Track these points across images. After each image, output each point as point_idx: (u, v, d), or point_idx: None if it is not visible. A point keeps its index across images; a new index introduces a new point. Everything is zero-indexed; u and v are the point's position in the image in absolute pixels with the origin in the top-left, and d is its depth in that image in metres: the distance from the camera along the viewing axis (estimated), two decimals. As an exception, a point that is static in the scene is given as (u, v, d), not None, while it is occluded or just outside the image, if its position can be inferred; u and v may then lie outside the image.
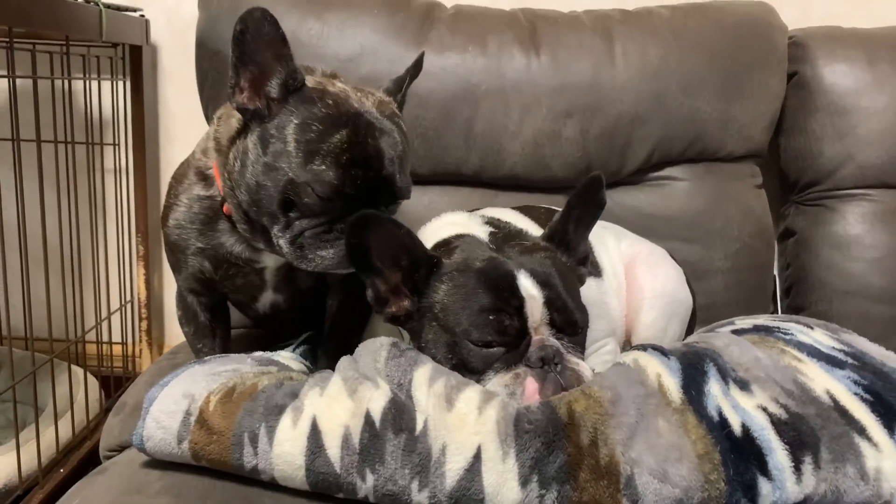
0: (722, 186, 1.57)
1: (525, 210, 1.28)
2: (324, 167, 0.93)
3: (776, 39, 1.59)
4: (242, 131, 1.01)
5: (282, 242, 0.98)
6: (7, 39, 1.32)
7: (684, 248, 1.50)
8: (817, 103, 1.59)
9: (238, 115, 1.01)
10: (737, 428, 0.82)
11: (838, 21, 1.72)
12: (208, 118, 1.56)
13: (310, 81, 1.00)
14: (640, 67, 1.52)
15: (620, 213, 1.51)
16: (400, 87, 1.14)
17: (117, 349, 1.91)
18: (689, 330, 1.33)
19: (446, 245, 1.02)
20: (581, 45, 1.53)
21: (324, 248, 0.97)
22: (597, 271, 1.23)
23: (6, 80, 1.55)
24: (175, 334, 1.99)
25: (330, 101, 0.97)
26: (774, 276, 1.66)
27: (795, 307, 1.61)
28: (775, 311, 1.65)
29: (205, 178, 1.09)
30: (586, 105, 1.51)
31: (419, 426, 0.83)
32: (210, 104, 1.54)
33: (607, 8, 1.63)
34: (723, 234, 1.54)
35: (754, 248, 1.56)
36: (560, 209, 1.05)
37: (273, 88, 0.96)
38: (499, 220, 1.15)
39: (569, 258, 1.02)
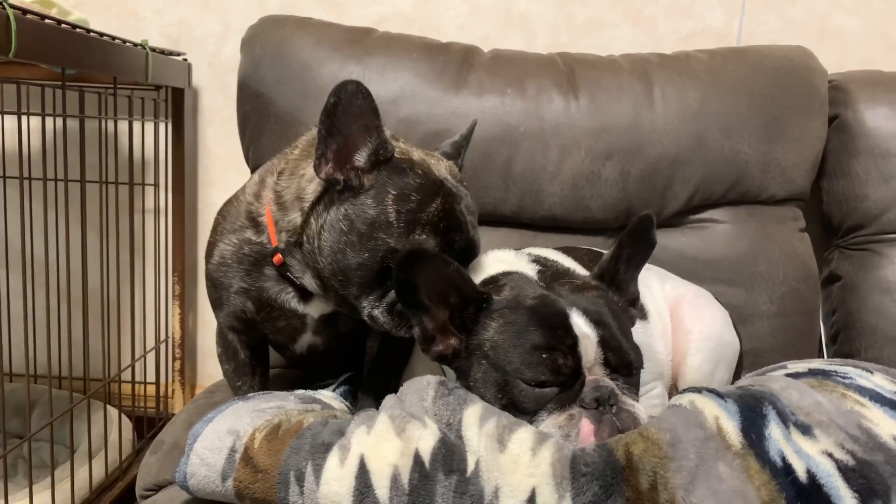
0: (765, 229, 1.54)
1: (567, 251, 1.26)
2: (424, 236, 0.96)
3: (816, 83, 1.59)
4: (322, 198, 1.00)
5: (376, 312, 0.99)
6: (60, 80, 1.35)
7: (728, 292, 1.47)
8: (860, 146, 1.58)
9: (311, 177, 1.02)
10: (802, 474, 0.79)
11: (876, 65, 1.71)
12: (248, 160, 1.58)
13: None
14: (679, 110, 1.52)
15: (662, 256, 1.48)
16: (458, 152, 1.19)
17: (150, 389, 1.91)
18: (736, 375, 1.29)
19: (494, 282, 1.00)
20: (620, 87, 1.53)
21: None
22: (642, 314, 1.21)
23: (51, 119, 1.59)
24: (208, 375, 1.99)
25: (419, 171, 0.99)
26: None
27: (844, 353, 1.56)
28: (822, 358, 1.61)
29: (256, 225, 1.09)
30: (626, 146, 1.50)
31: (470, 467, 0.81)
32: (251, 146, 1.56)
33: (644, 52, 1.65)
34: (767, 277, 1.51)
35: (800, 291, 1.53)
36: (602, 251, 1.04)
37: (361, 159, 0.97)
38: (545, 258, 1.13)
39: (620, 298, 1.00)
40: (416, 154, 1.03)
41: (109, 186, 1.70)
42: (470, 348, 0.93)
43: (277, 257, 1.05)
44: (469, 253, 1.03)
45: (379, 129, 0.96)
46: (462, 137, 1.21)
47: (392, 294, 0.97)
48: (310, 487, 0.83)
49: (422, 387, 0.92)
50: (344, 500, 0.81)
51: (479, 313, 0.93)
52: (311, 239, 1.01)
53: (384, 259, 0.96)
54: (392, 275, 0.93)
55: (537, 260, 1.11)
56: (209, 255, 1.13)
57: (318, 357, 1.22)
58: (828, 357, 1.62)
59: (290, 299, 1.09)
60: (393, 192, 0.96)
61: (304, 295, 1.09)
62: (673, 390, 1.23)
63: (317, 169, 0.97)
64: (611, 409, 0.86)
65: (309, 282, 1.05)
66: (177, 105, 1.83)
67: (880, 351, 1.51)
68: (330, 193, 1.00)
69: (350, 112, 0.94)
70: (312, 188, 1.02)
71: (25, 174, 1.57)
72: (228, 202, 1.16)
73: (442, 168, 1.04)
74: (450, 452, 0.82)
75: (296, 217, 1.03)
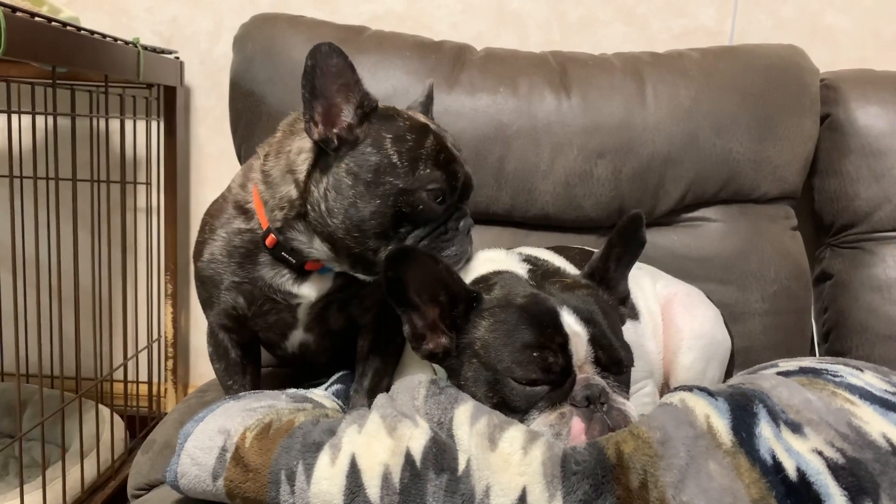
0: (757, 228, 1.55)
1: (559, 250, 1.26)
2: (429, 170, 0.99)
3: (808, 81, 1.59)
4: (317, 164, 1.02)
5: None
6: (50, 79, 1.34)
7: (720, 290, 1.48)
8: (851, 145, 1.58)
9: (298, 150, 1.04)
10: (792, 472, 0.79)
11: (868, 64, 1.72)
12: (240, 158, 1.57)
13: None
14: (671, 108, 1.52)
15: (654, 254, 1.49)
16: (426, 112, 1.21)
17: (143, 388, 1.90)
18: (728, 373, 1.30)
19: (485, 281, 1.00)
20: (612, 86, 1.53)
21: (447, 247, 1.02)
22: (633, 313, 1.21)
23: (42, 118, 1.58)
24: (200, 374, 1.98)
25: (405, 116, 1.04)
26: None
27: (835, 352, 1.57)
28: (813, 356, 1.62)
29: (245, 212, 1.09)
30: (618, 145, 1.50)
31: (461, 466, 0.81)
32: (243, 144, 1.56)
33: (637, 51, 1.65)
34: (759, 275, 1.52)
35: (792, 290, 1.53)
36: (593, 250, 1.04)
37: (348, 115, 1.00)
38: (536, 257, 1.13)
39: (610, 296, 1.00)
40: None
41: (101, 185, 1.69)
42: (460, 347, 0.94)
43: (271, 238, 1.06)
44: (469, 186, 1.06)
45: (358, 83, 0.99)
46: (425, 97, 1.23)
47: (412, 238, 0.99)
48: (301, 487, 0.83)
49: (413, 386, 0.93)
50: (335, 499, 0.81)
51: (470, 312, 0.94)
52: (316, 205, 1.01)
53: (396, 203, 0.98)
54: (404, 220, 0.97)
55: (528, 259, 1.11)
56: (198, 254, 1.13)
57: (309, 355, 1.22)
58: (820, 355, 1.63)
59: (286, 282, 1.09)
60: (389, 135, 1.00)
61: (301, 274, 1.09)
62: (665, 389, 1.24)
63: (309, 132, 0.99)
64: (601, 408, 0.87)
65: (318, 248, 1.05)
66: (169, 103, 1.82)
67: (872, 349, 1.51)
68: (324, 158, 1.01)
69: (328, 73, 0.97)
70: (303, 158, 1.04)
71: (16, 173, 1.56)
72: (215, 201, 1.16)
73: (421, 116, 1.09)
74: (441, 451, 0.82)
75: (289, 190, 1.04)
